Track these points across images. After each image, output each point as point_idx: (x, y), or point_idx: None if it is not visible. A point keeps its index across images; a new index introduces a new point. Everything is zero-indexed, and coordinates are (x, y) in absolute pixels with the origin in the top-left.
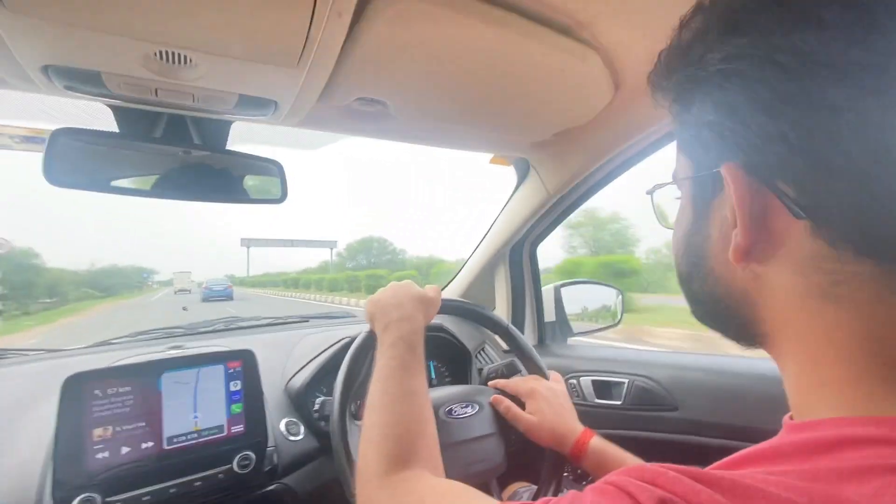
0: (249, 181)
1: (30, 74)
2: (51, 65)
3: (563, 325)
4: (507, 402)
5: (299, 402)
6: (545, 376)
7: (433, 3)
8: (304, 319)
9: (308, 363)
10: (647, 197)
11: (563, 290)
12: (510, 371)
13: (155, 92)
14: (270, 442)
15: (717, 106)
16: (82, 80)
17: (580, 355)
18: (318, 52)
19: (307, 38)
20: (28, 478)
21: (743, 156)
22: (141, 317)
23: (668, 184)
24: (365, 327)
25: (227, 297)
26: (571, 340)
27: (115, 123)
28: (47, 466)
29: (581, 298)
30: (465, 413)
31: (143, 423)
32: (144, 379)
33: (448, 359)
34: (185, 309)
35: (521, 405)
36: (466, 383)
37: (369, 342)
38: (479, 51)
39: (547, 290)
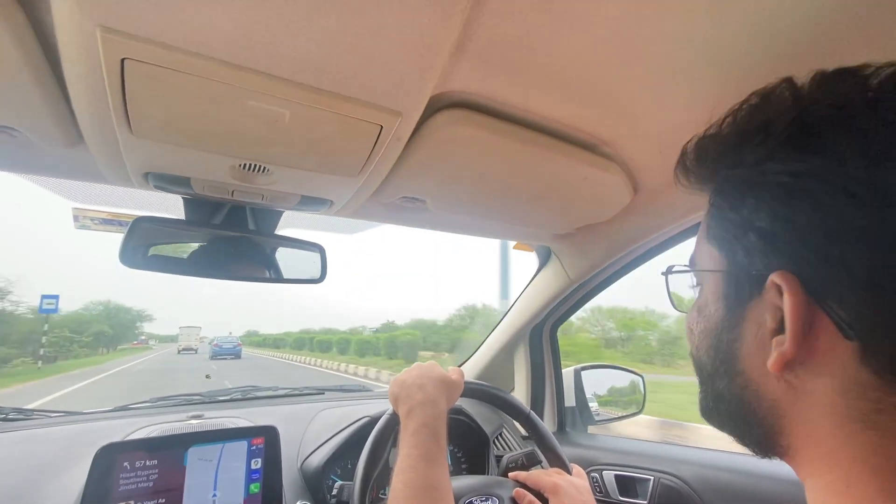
0: (292, 262)
1: (131, 177)
2: (151, 171)
3: (583, 410)
4: (531, 497)
5: (315, 483)
6: (567, 470)
7: (477, 128)
8: (321, 391)
9: (325, 442)
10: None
11: (584, 374)
12: (530, 462)
13: (231, 192)
14: None
15: (775, 216)
16: (173, 183)
17: (602, 446)
18: (375, 166)
19: (369, 156)
20: None
21: (796, 268)
22: None
23: (686, 270)
24: (385, 407)
25: (235, 355)
26: (592, 429)
27: (181, 210)
28: None
29: (601, 383)
30: None
31: (164, 501)
32: (172, 452)
33: (465, 443)
34: (208, 377)
35: (543, 500)
36: (483, 471)
37: (391, 425)
38: (512, 163)
39: (567, 374)
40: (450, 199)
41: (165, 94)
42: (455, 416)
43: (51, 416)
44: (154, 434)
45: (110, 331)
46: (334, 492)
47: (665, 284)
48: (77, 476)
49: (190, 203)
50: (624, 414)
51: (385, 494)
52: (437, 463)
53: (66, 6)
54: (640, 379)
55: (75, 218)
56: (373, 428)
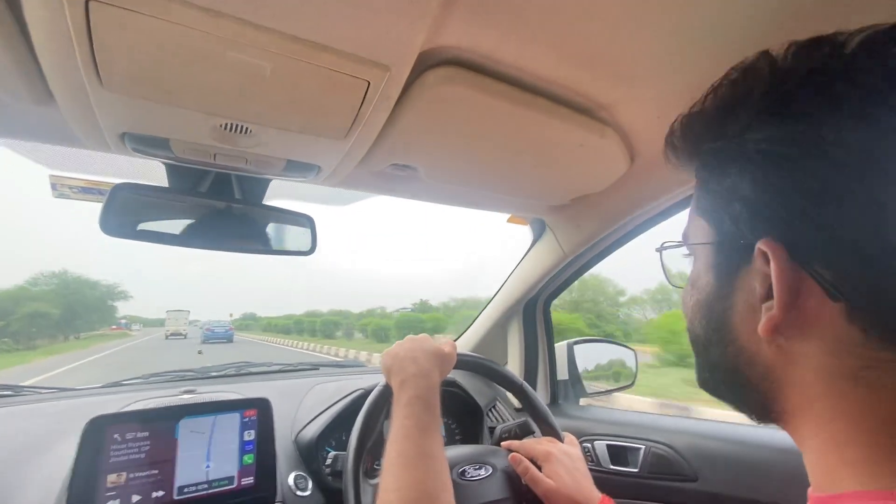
0: (281, 233)
1: (107, 139)
2: (128, 132)
3: (576, 384)
4: (527, 462)
5: (309, 455)
6: (560, 439)
7: (469, 87)
8: (315, 367)
9: (319, 415)
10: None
11: (576, 348)
12: (523, 431)
13: (213, 156)
14: (278, 496)
15: (757, 184)
16: (151, 145)
17: (594, 417)
18: (363, 127)
19: (356, 116)
20: None
21: (780, 234)
22: None
23: (678, 244)
24: (380, 380)
25: (227, 339)
26: (584, 401)
27: (164, 178)
28: None
29: (594, 357)
30: (479, 475)
31: (157, 472)
32: (163, 424)
33: (459, 415)
34: (200, 353)
35: (537, 468)
36: (477, 442)
37: (385, 396)
38: (506, 127)
39: (560, 347)
40: (442, 167)
41: (136, 41)
42: (448, 388)
43: (41, 392)
44: (139, 408)
45: (55, 312)
46: (328, 461)
47: (660, 261)
48: (68, 449)
49: (172, 170)
50: (616, 386)
51: (379, 465)
52: (431, 433)
53: None
54: (632, 353)
55: (53, 186)
56: (365, 399)
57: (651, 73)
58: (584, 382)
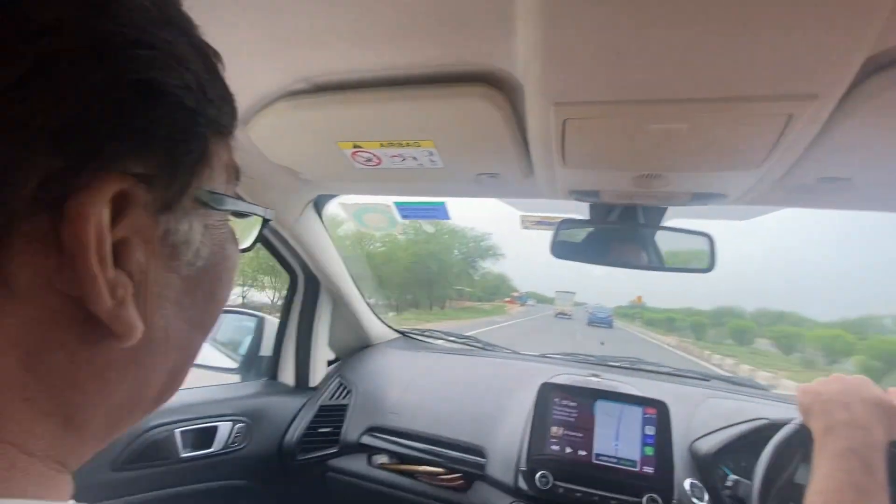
0: (680, 251)
1: (560, 194)
2: (574, 190)
3: None
4: None
5: (705, 467)
6: None
7: None
8: (706, 378)
9: (717, 430)
10: None
11: None
12: None
13: (631, 197)
14: (675, 496)
15: None
16: (587, 195)
17: None
18: (781, 153)
19: (773, 147)
20: (512, 444)
21: None
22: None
23: None
24: (792, 416)
25: (608, 324)
26: None
27: (584, 210)
28: (523, 441)
29: None
30: None
31: (581, 436)
32: (585, 400)
33: None
34: (602, 344)
35: None
36: None
37: (801, 438)
38: None
39: None
40: (889, 174)
41: (590, 135)
42: None
43: (505, 352)
44: (566, 382)
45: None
46: (728, 483)
47: None
48: (525, 398)
49: (594, 207)
50: None
51: None
52: (872, 498)
53: (535, 93)
54: None
55: (522, 221)
56: (774, 432)
57: None
58: None
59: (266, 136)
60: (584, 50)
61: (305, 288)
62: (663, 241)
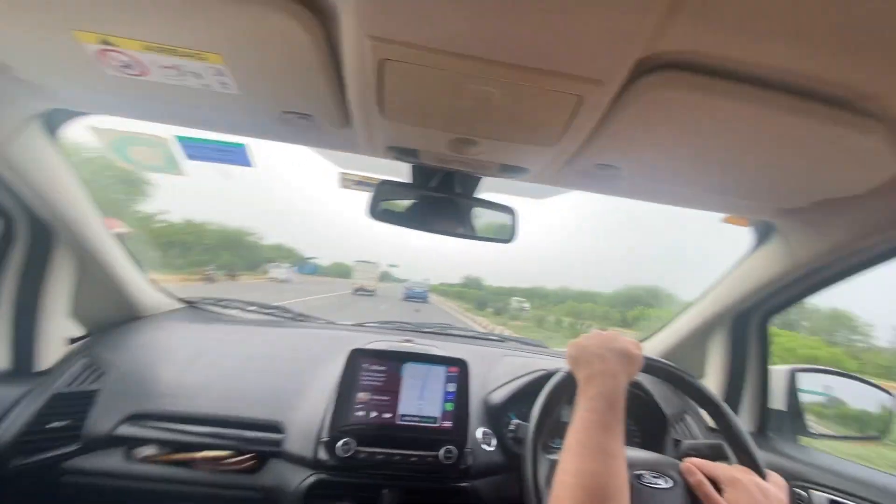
0: (488, 222)
1: (379, 150)
2: (393, 145)
3: (795, 418)
4: (702, 476)
5: (495, 416)
6: (761, 474)
7: (690, 90)
8: (503, 339)
9: (506, 383)
10: None
11: (801, 377)
12: (715, 454)
13: (446, 161)
14: (468, 444)
15: None
16: (406, 154)
17: (816, 463)
18: (572, 134)
19: (565, 126)
20: (315, 415)
21: None
22: None
23: None
24: (562, 366)
25: (423, 298)
26: (804, 441)
27: (404, 174)
28: (327, 411)
29: (824, 393)
30: (657, 484)
31: (388, 398)
32: (394, 364)
33: (640, 419)
34: (417, 311)
35: (717, 491)
36: (659, 450)
37: (567, 384)
38: (732, 127)
39: (777, 373)
40: (649, 167)
41: (409, 84)
42: (633, 389)
43: (319, 322)
44: (380, 348)
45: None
46: (511, 427)
47: None
48: (334, 368)
49: (416, 169)
50: (856, 435)
51: (555, 444)
52: (613, 432)
53: (351, 22)
54: (888, 396)
55: (341, 179)
56: (548, 380)
57: None
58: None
59: None
60: None
61: (30, 238)
62: (476, 211)
